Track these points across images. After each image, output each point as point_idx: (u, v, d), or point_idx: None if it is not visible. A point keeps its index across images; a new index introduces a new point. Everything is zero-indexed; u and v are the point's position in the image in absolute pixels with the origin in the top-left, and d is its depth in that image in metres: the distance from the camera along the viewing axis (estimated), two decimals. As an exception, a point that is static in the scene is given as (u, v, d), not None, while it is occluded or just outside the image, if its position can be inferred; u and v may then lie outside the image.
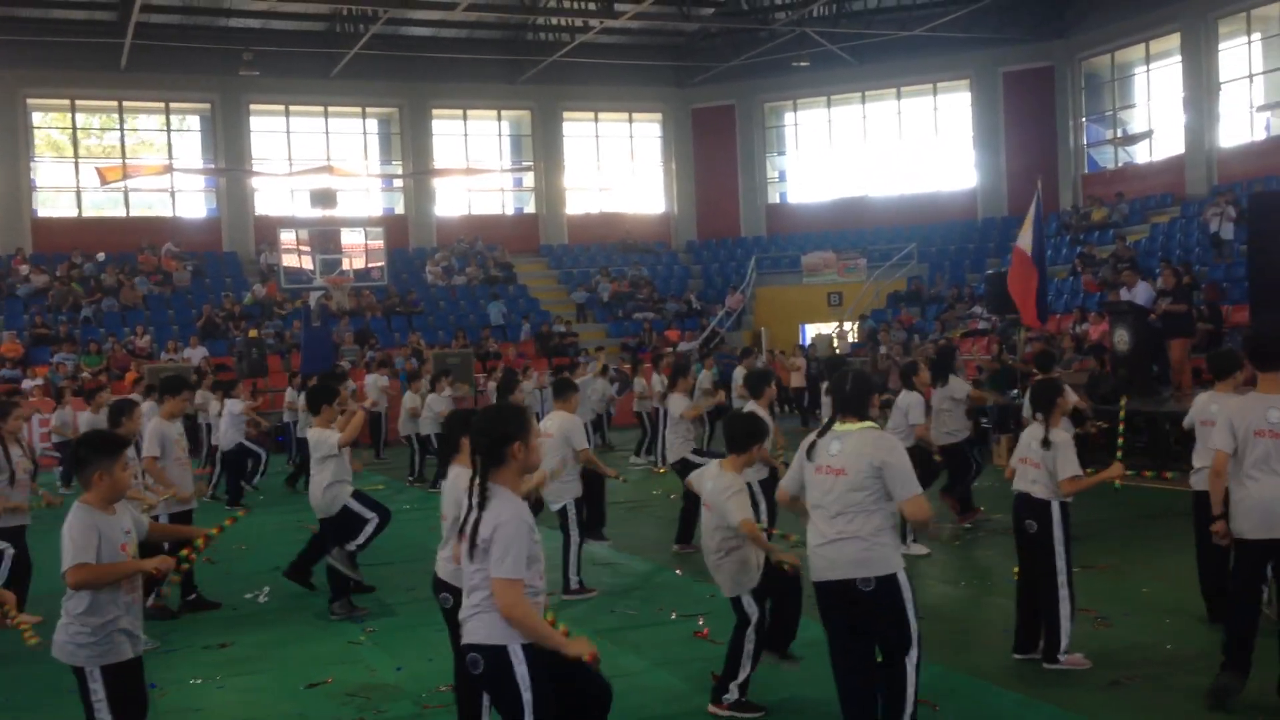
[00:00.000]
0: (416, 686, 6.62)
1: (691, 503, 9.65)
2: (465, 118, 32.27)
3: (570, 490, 8.81)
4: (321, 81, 29.38)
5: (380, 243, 25.42)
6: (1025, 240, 14.73)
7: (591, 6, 26.95)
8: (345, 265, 24.86)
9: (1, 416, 8.26)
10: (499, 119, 32.91)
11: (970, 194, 31.17)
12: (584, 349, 24.74)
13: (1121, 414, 7.45)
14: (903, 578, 4.91)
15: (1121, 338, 15.36)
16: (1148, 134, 28.57)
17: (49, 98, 28.58)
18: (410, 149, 30.99)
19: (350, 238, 25.36)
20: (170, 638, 7.94)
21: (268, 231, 28.28)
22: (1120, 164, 29.42)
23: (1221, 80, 26.11)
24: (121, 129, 29.89)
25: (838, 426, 5.07)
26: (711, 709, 5.94)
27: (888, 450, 4.90)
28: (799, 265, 29.69)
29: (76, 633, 4.44)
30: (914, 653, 4.92)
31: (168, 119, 29.98)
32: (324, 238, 24.64)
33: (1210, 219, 22.51)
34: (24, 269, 26.43)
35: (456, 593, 4.71)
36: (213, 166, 29.58)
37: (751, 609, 5.83)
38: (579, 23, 28.37)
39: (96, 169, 27.52)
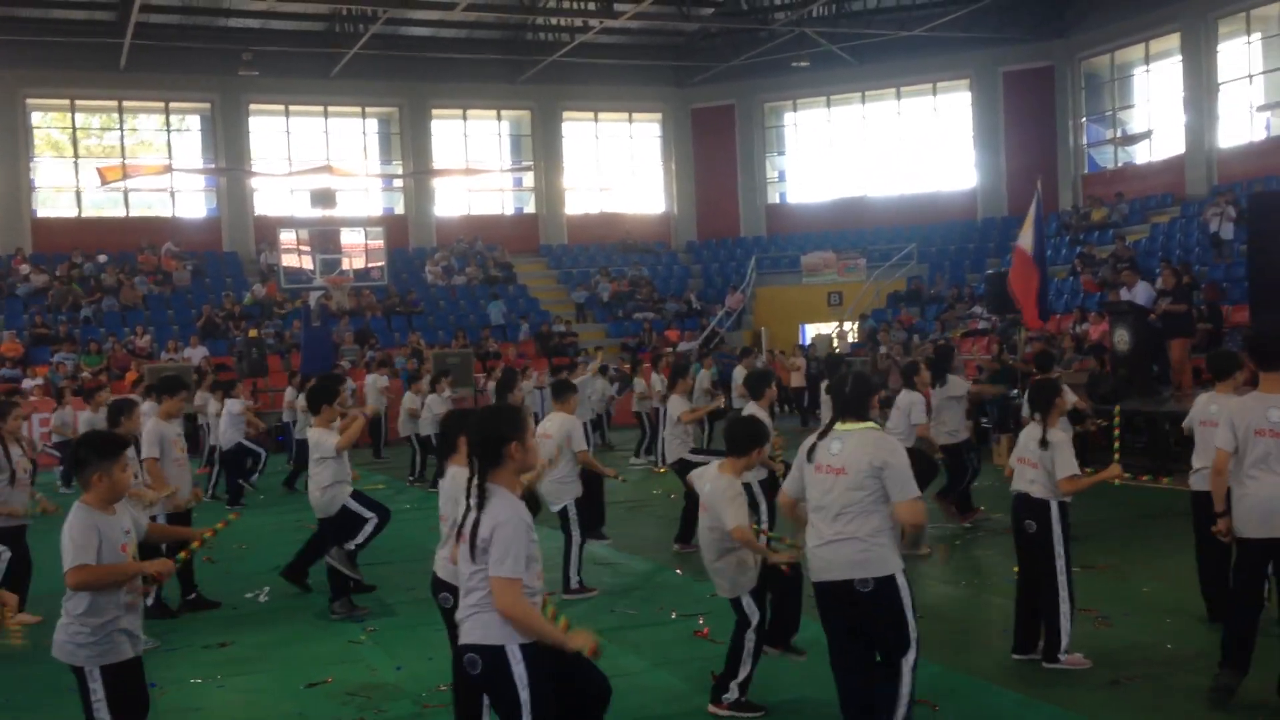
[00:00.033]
0: (417, 686, 6.62)
1: (693, 502, 9.62)
2: (465, 118, 32.27)
3: (570, 491, 8.81)
4: (321, 81, 29.38)
5: (380, 243, 25.42)
6: (1026, 240, 14.73)
7: (591, 6, 26.94)
8: (345, 265, 24.86)
9: (1, 416, 8.27)
10: (499, 119, 32.91)
11: (970, 194, 31.18)
12: (583, 349, 24.74)
13: (1116, 419, 7.46)
14: (901, 579, 4.90)
15: (1121, 338, 15.36)
16: (1148, 134, 28.57)
17: (49, 97, 28.58)
18: (410, 149, 30.99)
19: (350, 238, 25.36)
20: (170, 637, 7.94)
21: (267, 231, 28.28)
22: (1120, 164, 29.43)
23: (1221, 80, 26.12)
24: (121, 129, 29.89)
25: (838, 426, 5.07)
26: (711, 709, 5.94)
27: (888, 451, 4.90)
28: (799, 265, 29.69)
29: (76, 632, 4.43)
30: (911, 654, 4.91)
31: (167, 119, 29.99)
32: (324, 238, 24.64)
33: (1210, 219, 22.51)
34: (24, 269, 26.43)
35: (456, 592, 4.70)
36: (212, 166, 29.58)
37: (752, 610, 5.83)
38: (579, 23, 28.37)
39: (96, 169, 27.53)
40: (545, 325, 27.45)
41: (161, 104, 29.54)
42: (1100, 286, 22.16)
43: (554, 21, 29.31)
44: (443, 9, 26.36)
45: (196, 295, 27.05)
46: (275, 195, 30.56)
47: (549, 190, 32.62)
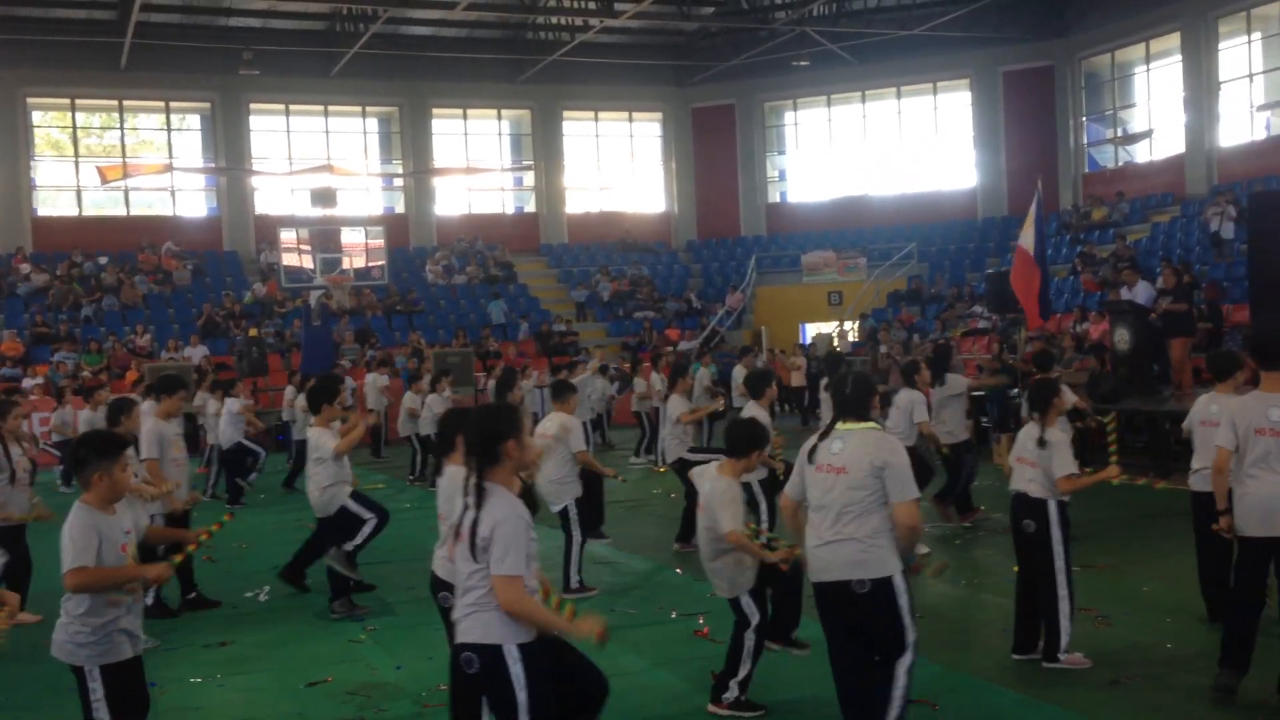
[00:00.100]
0: (416, 685, 6.62)
1: (693, 502, 9.61)
2: (465, 117, 32.27)
3: (570, 490, 8.81)
4: (321, 80, 29.38)
5: (380, 242, 25.42)
6: (1027, 239, 14.72)
7: (591, 6, 26.94)
8: (345, 264, 24.86)
9: (1, 416, 8.26)
10: (499, 118, 32.91)
11: (970, 193, 31.17)
12: (583, 349, 24.74)
13: (1111, 425, 7.48)
14: (899, 581, 4.88)
15: (1122, 337, 15.35)
16: (1148, 133, 28.57)
17: (49, 97, 28.59)
18: (410, 148, 30.99)
19: (350, 237, 25.36)
20: (170, 636, 7.94)
21: (268, 230, 28.28)
22: (1120, 163, 29.43)
23: (1221, 80, 26.11)
24: (122, 128, 29.89)
25: (840, 426, 5.07)
26: (711, 708, 5.94)
27: (889, 451, 4.90)
28: (799, 264, 29.69)
29: (76, 632, 4.43)
30: (907, 657, 4.88)
31: (168, 118, 29.99)
32: (324, 237, 24.63)
33: (1210, 218, 22.51)
34: (24, 268, 26.44)
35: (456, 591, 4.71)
36: (213, 165, 29.58)
37: (751, 610, 5.83)
38: (579, 22, 28.37)
39: (97, 168, 27.55)
40: (545, 324, 27.45)
41: (162, 103, 29.54)
42: (1100, 286, 22.16)
43: (554, 21, 29.31)
44: (443, 8, 26.36)
45: (197, 294, 27.05)
46: (276, 194, 30.56)
47: (549, 189, 32.63)
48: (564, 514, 8.77)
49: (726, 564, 5.79)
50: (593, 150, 33.70)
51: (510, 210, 33.46)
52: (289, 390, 17.93)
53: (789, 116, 33.51)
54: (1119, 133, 29.40)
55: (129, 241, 28.07)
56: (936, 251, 29.71)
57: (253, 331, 24.76)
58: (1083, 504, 10.29)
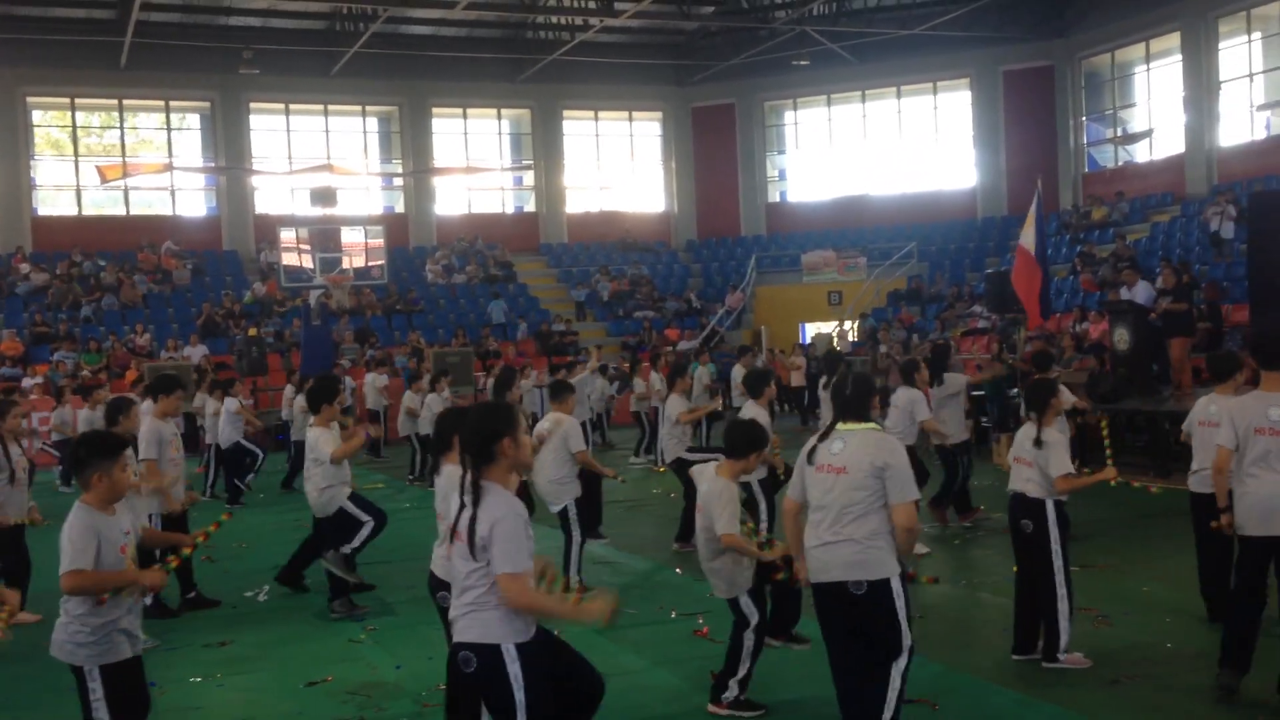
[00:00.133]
0: (416, 685, 6.62)
1: (693, 501, 9.62)
2: (465, 116, 32.27)
3: (570, 490, 8.79)
4: (321, 80, 29.38)
5: (380, 241, 25.42)
6: (1028, 239, 14.73)
7: (591, 5, 26.94)
8: (345, 264, 24.85)
9: (0, 415, 8.26)
10: (499, 117, 32.92)
11: (970, 193, 31.18)
12: (583, 348, 24.74)
13: (1105, 428, 7.49)
14: (896, 584, 4.85)
15: (1122, 337, 15.35)
16: (1148, 133, 28.57)
17: (49, 96, 28.60)
18: (410, 147, 30.99)
19: (350, 236, 25.35)
20: (170, 636, 7.94)
21: (268, 230, 28.29)
22: (1120, 163, 29.43)
23: (1222, 79, 26.12)
24: (121, 127, 29.90)
25: (840, 427, 5.06)
26: (711, 708, 5.94)
27: (890, 452, 4.89)
28: (799, 264, 29.69)
29: (76, 632, 4.43)
30: (902, 660, 4.85)
31: (168, 117, 29.98)
32: (324, 236, 24.63)
33: (1210, 218, 22.52)
34: (24, 267, 26.44)
35: (455, 591, 4.71)
36: (213, 165, 29.58)
37: (749, 610, 5.83)
38: (579, 21, 28.37)
39: (96, 167, 27.55)
40: (545, 324, 27.45)
41: (162, 102, 29.53)
42: (1100, 286, 22.17)
43: (554, 20, 29.31)
44: (443, 8, 26.36)
45: (196, 294, 27.05)
46: (275, 194, 30.56)
47: (549, 189, 32.63)
48: (563, 514, 8.75)
49: (725, 564, 5.79)
50: (592, 150, 33.70)
51: (510, 210, 33.46)
52: (288, 389, 17.93)
53: (789, 116, 33.51)
54: (1119, 132, 29.41)
55: (129, 241, 28.07)
56: (936, 251, 29.71)
57: (252, 331, 24.75)
58: (1083, 504, 10.32)
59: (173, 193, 29.99)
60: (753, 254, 30.83)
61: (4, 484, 7.95)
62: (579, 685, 4.37)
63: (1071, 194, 29.36)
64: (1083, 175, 29.72)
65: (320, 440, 8.23)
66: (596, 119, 33.57)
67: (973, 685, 6.30)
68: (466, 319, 27.49)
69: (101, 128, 30.85)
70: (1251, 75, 25.79)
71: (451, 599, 4.19)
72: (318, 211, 26.80)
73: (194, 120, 30.44)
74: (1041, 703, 5.93)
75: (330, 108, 30.76)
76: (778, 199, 33.70)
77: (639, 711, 6.11)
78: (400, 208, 31.65)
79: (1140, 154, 29.10)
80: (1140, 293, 16.22)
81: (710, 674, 6.09)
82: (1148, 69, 28.21)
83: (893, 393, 10.46)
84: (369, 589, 9.01)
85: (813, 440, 5.14)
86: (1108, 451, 7.07)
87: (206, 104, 29.52)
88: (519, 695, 3.95)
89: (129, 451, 4.88)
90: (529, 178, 32.95)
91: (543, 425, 9.06)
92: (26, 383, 21.18)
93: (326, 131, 30.86)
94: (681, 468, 10.35)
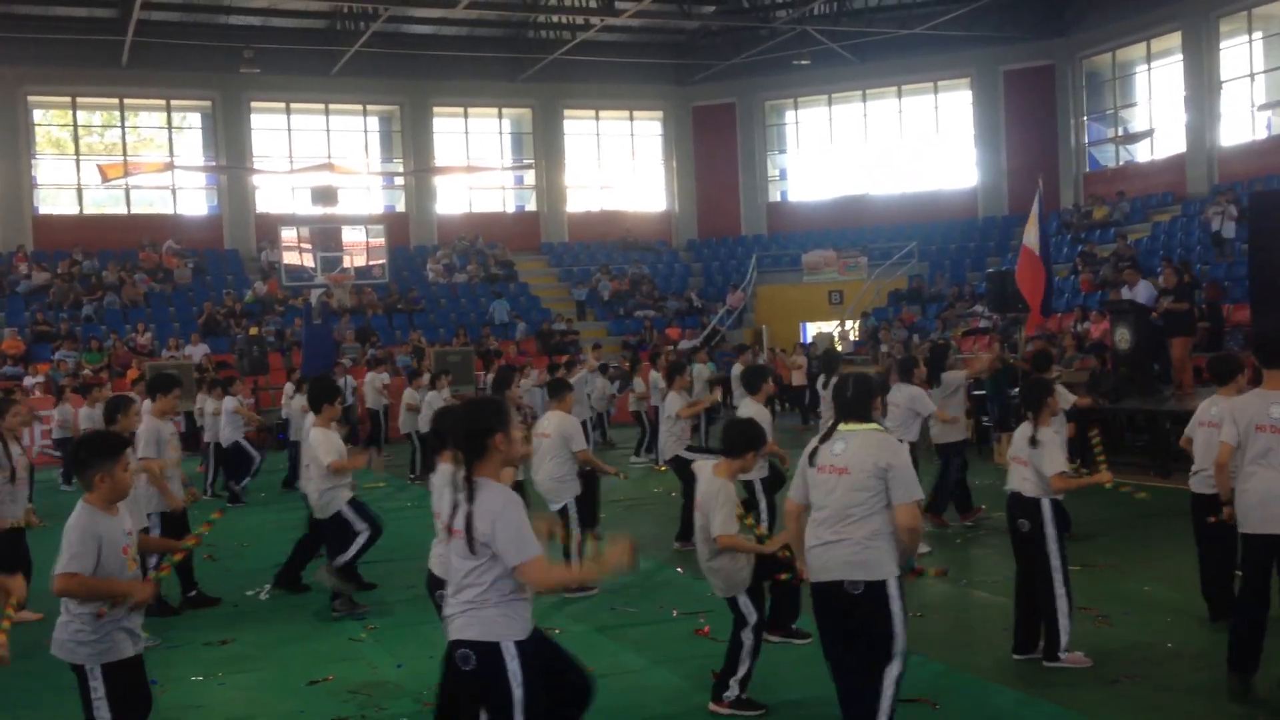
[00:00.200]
0: (417, 684, 6.62)
1: (692, 499, 9.62)
2: (466, 115, 32.27)
3: (570, 489, 8.80)
4: (322, 79, 29.38)
5: (381, 240, 25.40)
6: (1031, 238, 14.73)
7: (592, 4, 26.94)
8: (346, 263, 24.84)
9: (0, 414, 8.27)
10: (500, 117, 32.91)
11: (971, 192, 31.17)
12: (582, 347, 24.74)
13: (1096, 435, 7.50)
14: (893, 586, 4.82)
15: (1123, 336, 15.35)
16: (1149, 133, 28.56)
17: (50, 95, 28.61)
18: (411, 146, 31.00)
19: (351, 235, 25.33)
20: (171, 635, 7.95)
21: (269, 229, 28.29)
22: (1121, 162, 29.43)
23: (1223, 79, 26.11)
24: (123, 126, 29.91)
25: (841, 427, 5.05)
26: (712, 707, 5.95)
27: (892, 453, 4.88)
28: (800, 263, 29.69)
29: (77, 631, 4.43)
30: (895, 666, 4.81)
31: (169, 116, 30.00)
32: (325, 235, 24.62)
33: (1211, 218, 22.51)
34: (25, 266, 26.44)
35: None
36: (214, 164, 29.59)
37: (748, 609, 5.84)
38: (580, 20, 28.37)
39: (98, 166, 27.56)
40: (546, 323, 27.44)
41: (163, 101, 29.54)
42: (1101, 285, 22.17)
43: (555, 19, 29.30)
44: (444, 7, 26.33)
45: (197, 293, 27.06)
46: (276, 193, 30.56)
47: (550, 188, 32.62)
48: (563, 512, 8.76)
49: (723, 563, 5.80)
50: (593, 149, 33.70)
51: (511, 209, 33.46)
52: (288, 387, 17.92)
53: (790, 115, 33.50)
54: (1120, 132, 29.40)
55: (130, 240, 28.08)
56: (937, 251, 29.71)
57: (253, 330, 24.76)
58: (1084, 504, 10.33)
59: (174, 192, 29.99)
60: (753, 253, 30.82)
61: (4, 483, 7.95)
62: (571, 683, 4.38)
63: (1072, 193, 29.36)
64: (1084, 175, 29.71)
65: (321, 444, 8.19)
66: (597, 118, 33.57)
67: (973, 685, 6.30)
68: (467, 318, 27.49)
69: (102, 127, 30.86)
70: (1252, 75, 25.79)
71: (447, 596, 4.18)
72: (319, 210, 26.78)
73: (195, 119, 30.45)
74: (1042, 702, 5.94)
75: (331, 107, 30.76)
76: (778, 198, 33.69)
77: (639, 711, 6.12)
78: (401, 207, 31.65)
79: (1141, 153, 29.10)
80: (1141, 292, 16.21)
81: (711, 673, 6.10)
82: (1149, 68, 28.20)
83: (891, 392, 10.44)
84: (370, 588, 9.03)
85: (814, 441, 5.14)
86: (1100, 458, 7.10)
87: (207, 103, 29.53)
88: (517, 693, 3.97)
89: (130, 450, 4.88)
90: (530, 177, 32.95)
91: (542, 424, 9.06)
92: (28, 381, 21.20)
93: (327, 131, 30.85)
94: (680, 466, 10.36)
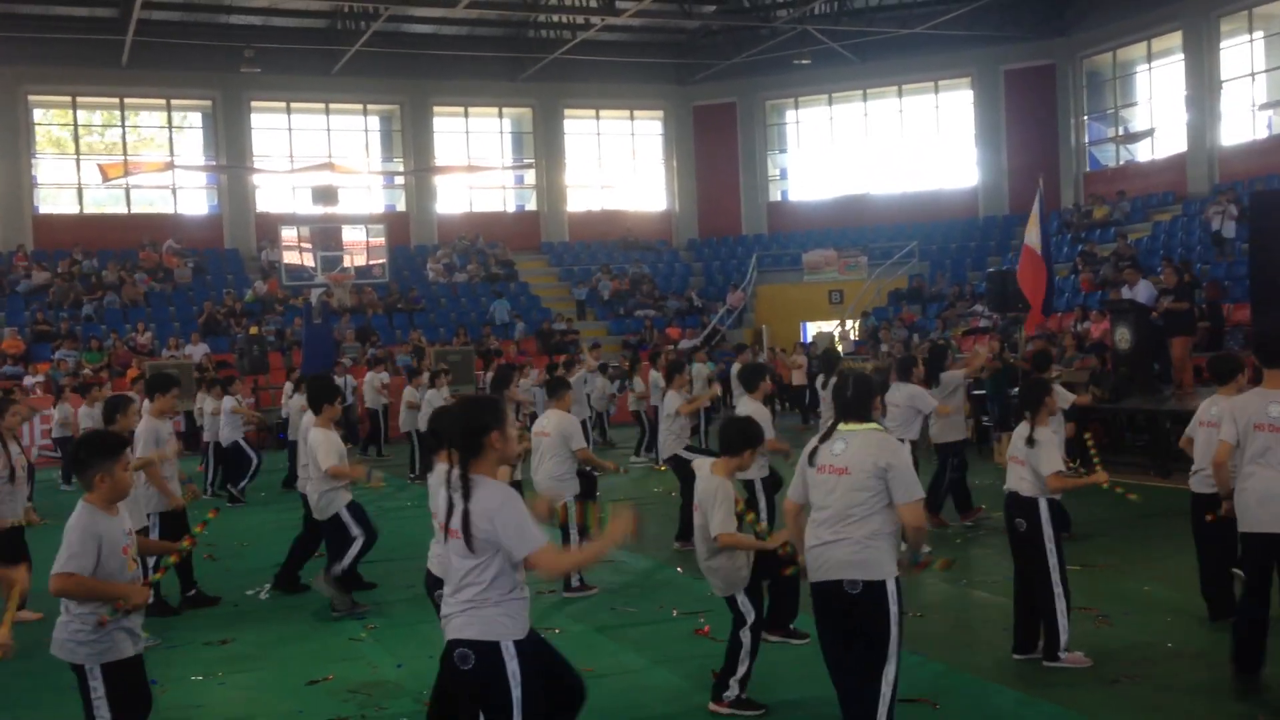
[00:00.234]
0: (417, 684, 6.61)
1: (689, 498, 9.63)
2: (466, 115, 32.27)
3: (569, 488, 8.80)
4: (323, 79, 29.38)
5: (381, 240, 25.41)
6: (1033, 238, 14.73)
7: (593, 4, 26.93)
8: (346, 262, 24.85)
9: (-1, 413, 8.27)
10: (500, 116, 32.91)
11: (972, 192, 31.17)
12: (581, 346, 24.71)
13: (1090, 443, 7.49)
14: (892, 586, 4.79)
15: (1123, 336, 15.35)
16: (1149, 132, 28.56)
17: (50, 94, 28.62)
18: (411, 146, 30.99)
19: (351, 235, 25.35)
20: (171, 634, 7.95)
21: (269, 228, 28.30)
22: (1122, 162, 29.43)
23: (1223, 78, 26.10)
24: (123, 126, 29.92)
25: (841, 427, 5.04)
26: (712, 707, 5.95)
27: (892, 453, 4.86)
28: (800, 263, 29.68)
29: (77, 630, 4.42)
30: (890, 669, 4.78)
31: (169, 116, 30.00)
32: (325, 235, 24.63)
33: (1212, 217, 22.51)
34: (25, 265, 26.44)
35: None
36: (214, 163, 29.59)
37: (747, 608, 5.84)
38: (580, 20, 28.36)
39: (98, 165, 27.58)
40: (546, 323, 27.44)
41: (163, 101, 29.54)
42: (1101, 285, 22.16)
43: (556, 19, 29.29)
44: (444, 6, 26.32)
45: (198, 292, 27.06)
46: (277, 192, 30.56)
47: (550, 187, 32.62)
48: (563, 510, 8.74)
49: (722, 562, 5.80)
50: (594, 148, 33.69)
51: (511, 208, 33.46)
52: (287, 386, 17.94)
53: (790, 115, 33.50)
54: (1120, 131, 29.40)
55: (130, 239, 28.08)
56: (938, 250, 29.70)
57: (254, 329, 24.76)
58: (1084, 504, 10.33)
59: (174, 191, 29.99)
60: (754, 253, 30.82)
61: (4, 482, 7.94)
62: (567, 686, 4.38)
63: (1073, 193, 29.36)
64: (1084, 174, 29.71)
65: (321, 445, 8.15)
66: (598, 118, 33.57)
67: (973, 685, 6.30)
68: (468, 318, 27.49)
69: (103, 126, 30.86)
70: (1253, 74, 25.78)
71: (445, 595, 4.16)
72: (319, 210, 26.79)
73: (195, 119, 30.46)
74: (1042, 702, 5.93)
75: (331, 106, 30.77)
76: (779, 198, 33.69)
77: (639, 710, 6.12)
78: (401, 206, 31.65)
79: (1142, 153, 29.09)
80: (1142, 292, 16.21)
81: (711, 673, 6.10)
82: (1149, 68, 28.20)
83: (889, 391, 10.42)
84: (370, 588, 9.03)
85: (814, 441, 5.13)
86: (1095, 460, 7.11)
87: (208, 102, 29.53)
88: (515, 692, 3.96)
89: (129, 450, 4.87)
90: (530, 176, 32.95)
91: (541, 423, 9.06)
92: (28, 381, 21.21)
93: (328, 130, 30.86)
94: (679, 465, 10.36)
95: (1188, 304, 15.78)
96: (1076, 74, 29.51)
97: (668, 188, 34.03)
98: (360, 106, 31.27)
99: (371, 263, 25.80)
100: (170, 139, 30.14)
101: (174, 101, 29.62)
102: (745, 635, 5.84)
